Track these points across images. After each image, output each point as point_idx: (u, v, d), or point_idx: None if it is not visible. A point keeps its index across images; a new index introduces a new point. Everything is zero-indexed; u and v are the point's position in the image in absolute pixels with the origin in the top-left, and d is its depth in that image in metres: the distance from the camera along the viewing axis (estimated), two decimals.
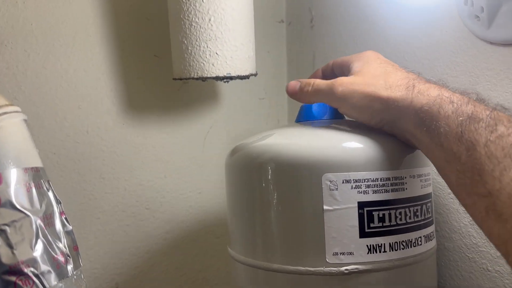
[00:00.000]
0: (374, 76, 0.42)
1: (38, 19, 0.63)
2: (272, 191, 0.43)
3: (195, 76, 0.59)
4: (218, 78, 0.59)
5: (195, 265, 0.74)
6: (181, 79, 0.61)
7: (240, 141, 0.51)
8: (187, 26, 0.58)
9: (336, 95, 0.43)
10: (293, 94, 0.49)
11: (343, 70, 0.48)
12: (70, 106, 0.65)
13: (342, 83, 0.43)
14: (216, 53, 0.57)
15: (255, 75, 0.64)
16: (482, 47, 0.48)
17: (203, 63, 0.58)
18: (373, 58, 0.46)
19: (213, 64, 0.58)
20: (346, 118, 0.48)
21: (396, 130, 0.42)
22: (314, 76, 0.54)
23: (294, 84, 0.49)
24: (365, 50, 0.48)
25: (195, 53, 0.58)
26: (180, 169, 0.72)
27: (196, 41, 0.58)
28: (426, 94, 0.39)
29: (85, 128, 0.66)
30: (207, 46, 0.57)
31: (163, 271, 0.72)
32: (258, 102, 0.79)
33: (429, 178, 0.45)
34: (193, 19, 0.58)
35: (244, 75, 0.61)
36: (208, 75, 0.58)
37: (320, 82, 0.45)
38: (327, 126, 0.47)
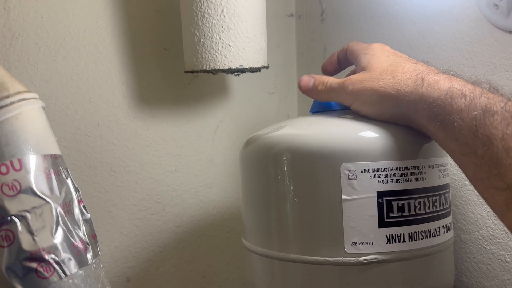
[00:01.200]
0: (382, 71, 0.42)
1: (48, 12, 0.63)
2: (288, 182, 0.43)
3: (207, 68, 0.58)
4: (230, 70, 0.59)
5: (206, 260, 0.74)
6: (193, 71, 0.61)
7: (254, 133, 0.50)
8: (199, 18, 0.58)
9: (347, 94, 0.44)
10: (306, 91, 0.49)
11: (353, 60, 0.48)
12: (81, 99, 0.65)
13: (352, 82, 0.43)
14: (229, 45, 0.57)
15: (267, 67, 0.64)
16: (500, 36, 0.47)
17: (216, 55, 0.58)
18: (379, 51, 0.45)
19: (225, 56, 0.58)
20: None
21: (410, 123, 0.42)
22: (330, 60, 0.53)
23: (307, 80, 0.48)
24: (379, 43, 0.47)
25: (207, 45, 0.58)
26: (190, 163, 0.72)
27: (209, 32, 0.57)
28: (437, 87, 0.38)
29: (96, 121, 0.66)
30: (220, 38, 0.57)
31: (174, 265, 0.72)
32: (268, 96, 0.79)
33: (447, 169, 0.45)
34: (206, 10, 0.57)
35: (257, 67, 0.60)
36: (221, 67, 0.58)
37: (332, 82, 0.46)
38: (342, 116, 0.47)
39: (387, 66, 0.42)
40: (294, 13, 0.80)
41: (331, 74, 0.53)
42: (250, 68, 0.59)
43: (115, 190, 0.67)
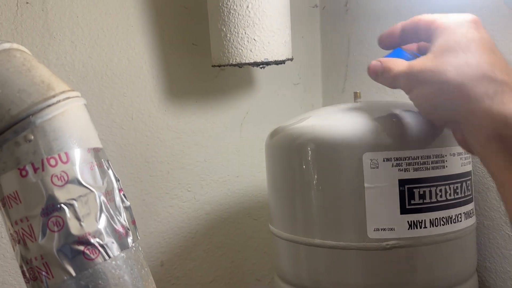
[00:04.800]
0: (449, 61, 0.35)
1: (83, 12, 0.66)
2: (312, 171, 0.45)
3: (234, 63, 0.60)
4: (255, 64, 0.61)
5: (235, 245, 0.76)
6: (220, 66, 0.63)
7: (279, 124, 0.52)
8: (225, 14, 0.60)
9: (409, 80, 0.38)
10: (374, 77, 0.42)
11: (426, 35, 0.39)
12: (115, 94, 0.68)
13: (413, 69, 0.37)
14: (254, 39, 0.59)
15: (291, 59, 0.65)
16: None
17: (241, 49, 0.60)
18: (461, 34, 0.36)
19: (251, 50, 0.60)
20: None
21: (459, 134, 0.37)
22: (390, 31, 0.43)
23: (376, 65, 0.42)
24: (470, 16, 0.38)
25: (233, 40, 0.60)
26: (218, 154, 0.74)
27: (235, 28, 0.59)
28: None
29: (130, 114, 0.69)
30: (245, 33, 0.59)
31: (205, 250, 0.75)
32: (293, 87, 0.80)
33: (469, 156, 0.46)
34: (232, 6, 0.59)
35: (281, 59, 0.62)
36: (246, 61, 0.60)
37: (398, 72, 0.39)
38: (365, 106, 0.49)
39: (461, 57, 0.34)
40: (318, 4, 0.81)
41: (387, 47, 0.45)
42: (275, 61, 0.61)
43: (149, 180, 0.70)
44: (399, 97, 0.64)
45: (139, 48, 0.69)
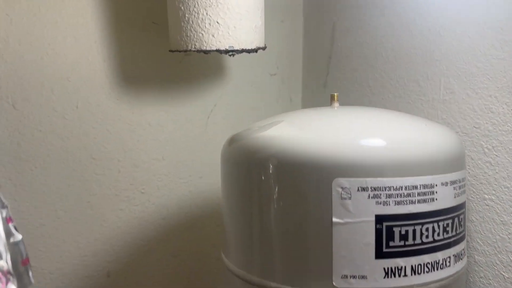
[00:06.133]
0: None
1: None
2: (272, 196, 0.36)
3: (193, 49, 0.51)
4: (219, 52, 0.51)
5: (194, 254, 0.69)
6: (178, 51, 0.53)
7: (242, 128, 0.43)
8: None
9: None
10: None
11: None
12: (57, 78, 0.59)
13: None
14: (217, 22, 0.49)
15: (264, 48, 0.56)
16: None
17: (202, 34, 0.50)
18: None
19: (213, 35, 0.50)
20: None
21: None
22: None
23: None
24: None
25: (192, 22, 0.50)
26: (179, 151, 0.66)
27: (195, 7, 0.49)
28: None
29: (74, 102, 0.60)
30: (207, 13, 0.49)
31: (159, 259, 0.67)
32: (269, 78, 0.72)
33: (464, 184, 0.37)
34: None
35: (250, 48, 0.52)
36: (208, 48, 0.51)
37: None
38: (342, 114, 0.40)
39: None
40: None
41: None
42: (242, 49, 0.52)
43: (95, 179, 0.62)
44: (387, 100, 0.55)
45: (88, 25, 0.59)
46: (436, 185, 0.34)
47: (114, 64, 0.61)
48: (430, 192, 0.34)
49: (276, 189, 0.36)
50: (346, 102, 0.63)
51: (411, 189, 0.34)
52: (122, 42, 0.61)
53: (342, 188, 0.33)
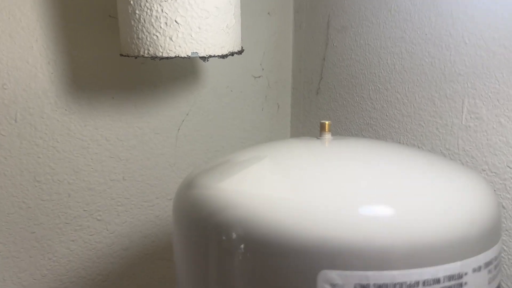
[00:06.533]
0: None
1: None
2: (233, 282, 0.26)
3: (145, 54, 0.41)
4: (179, 58, 0.41)
5: None
6: (128, 56, 0.43)
7: (204, 164, 0.33)
8: None
9: None
10: None
11: None
12: None
13: None
14: (176, 21, 0.39)
15: (240, 52, 0.45)
16: None
17: (157, 36, 0.39)
18: None
19: (171, 38, 0.39)
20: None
21: None
22: None
23: None
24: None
25: (144, 20, 0.39)
26: (144, 169, 0.59)
27: (146, 1, 0.38)
28: None
29: (12, 115, 0.52)
30: (162, 10, 0.38)
31: None
32: (252, 81, 0.64)
33: (499, 263, 0.27)
34: None
35: (221, 54, 0.42)
36: (164, 54, 0.40)
37: None
38: (336, 157, 0.29)
39: None
40: None
41: None
42: (209, 56, 0.41)
43: (41, 205, 0.55)
44: (393, 118, 0.44)
45: (28, 20, 0.51)
46: (467, 273, 0.24)
47: (62, 67, 0.53)
48: (458, 285, 0.24)
49: (242, 277, 0.26)
50: (342, 116, 0.53)
51: (432, 284, 0.23)
52: (71, 41, 0.53)
53: (331, 285, 0.23)
